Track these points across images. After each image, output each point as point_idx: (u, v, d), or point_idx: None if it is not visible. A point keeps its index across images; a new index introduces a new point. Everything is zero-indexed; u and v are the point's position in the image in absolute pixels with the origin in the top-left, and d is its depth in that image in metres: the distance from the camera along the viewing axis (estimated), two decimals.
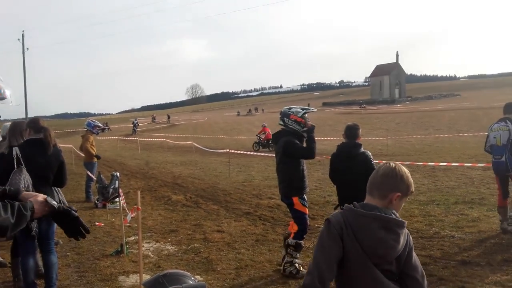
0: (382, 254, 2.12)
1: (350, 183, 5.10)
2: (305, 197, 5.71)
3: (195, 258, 6.53)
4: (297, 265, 5.63)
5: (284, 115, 5.69)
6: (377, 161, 14.31)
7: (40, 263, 5.34)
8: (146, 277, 5.22)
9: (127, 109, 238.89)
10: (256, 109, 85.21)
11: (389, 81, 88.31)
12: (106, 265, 6.30)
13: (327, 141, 25.29)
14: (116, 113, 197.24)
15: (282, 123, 5.71)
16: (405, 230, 2.19)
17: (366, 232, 2.13)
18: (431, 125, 35.82)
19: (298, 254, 5.68)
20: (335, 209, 5.41)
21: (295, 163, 5.62)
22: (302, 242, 5.67)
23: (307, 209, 5.69)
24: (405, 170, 2.23)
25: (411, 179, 2.23)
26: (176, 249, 7.02)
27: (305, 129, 5.62)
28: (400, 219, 2.17)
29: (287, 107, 5.90)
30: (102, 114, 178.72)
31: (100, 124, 12.36)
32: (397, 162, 2.28)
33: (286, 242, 5.71)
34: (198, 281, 2.40)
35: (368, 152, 5.40)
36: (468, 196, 9.48)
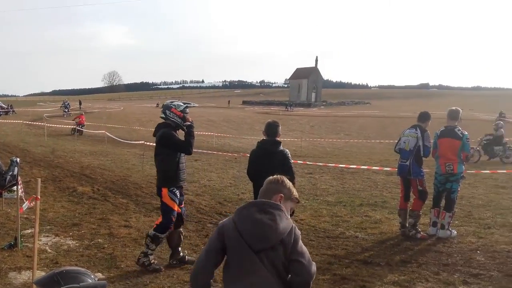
0: (260, 234, 2.29)
1: None
2: (177, 192, 5.63)
3: (98, 254, 6.17)
4: (150, 257, 5.59)
5: (166, 107, 5.68)
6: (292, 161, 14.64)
7: None
8: (41, 274, 4.81)
9: (36, 92, 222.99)
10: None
11: (307, 85, 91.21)
12: None
13: (244, 139, 25.51)
14: (24, 96, 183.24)
15: (164, 116, 5.68)
16: (289, 221, 2.41)
17: (245, 219, 2.37)
18: (343, 130, 37.63)
19: (154, 247, 5.61)
20: None
21: (171, 155, 5.56)
22: (162, 236, 5.60)
23: (176, 205, 5.60)
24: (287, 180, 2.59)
25: (292, 185, 2.58)
26: (77, 244, 6.59)
27: (186, 123, 5.62)
28: (276, 202, 2.44)
29: (170, 100, 5.90)
30: (7, 96, 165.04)
31: (2, 105, 11.28)
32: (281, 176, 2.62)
33: (148, 232, 5.71)
34: (98, 279, 2.20)
35: (287, 150, 5.47)
36: (372, 199, 9.99)
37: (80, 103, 64.97)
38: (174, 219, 5.60)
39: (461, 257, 6.10)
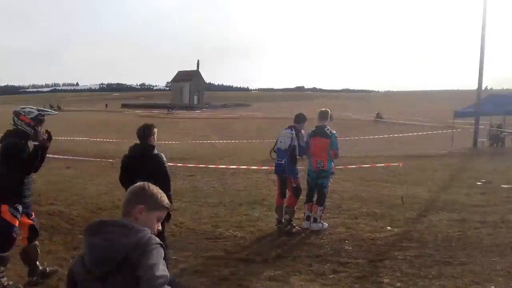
0: (94, 260, 2.01)
1: None
2: (20, 207, 4.99)
3: None
4: (3, 280, 4.99)
5: (15, 114, 5.05)
6: (172, 164, 14.35)
7: None
8: None
9: None
10: (57, 107, 75.22)
11: (189, 88, 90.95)
12: None
13: (125, 143, 24.45)
14: None
15: (13, 123, 5.05)
16: (143, 233, 2.05)
17: (84, 247, 2.07)
18: (225, 131, 38.13)
19: (2, 268, 5.00)
20: None
21: (14, 169, 4.90)
22: (5, 255, 5.00)
23: (17, 221, 4.99)
24: (154, 186, 2.23)
25: (160, 192, 2.22)
26: None
27: (35, 142, 4.98)
28: (119, 219, 2.13)
29: (22, 106, 5.31)
30: None
31: None
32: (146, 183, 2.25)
33: None
34: None
35: (162, 154, 5.30)
36: (252, 198, 10.20)
37: None
38: (15, 235, 5.00)
39: (331, 248, 6.49)
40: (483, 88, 27.23)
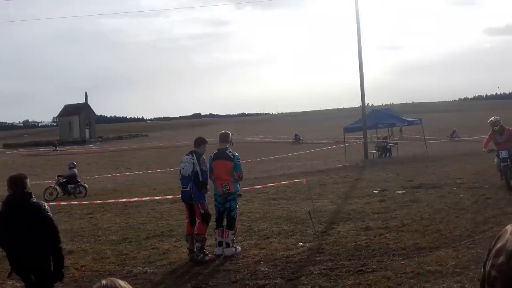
0: None
1: (25, 243, 4.47)
2: None
3: None
4: None
5: None
6: (66, 203, 13.22)
7: None
8: None
9: None
10: None
11: (79, 121, 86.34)
12: None
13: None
14: None
15: None
16: None
17: None
18: (122, 164, 36.47)
19: None
20: (8, 276, 4.75)
21: None
22: None
23: None
24: (122, 283, 1.75)
25: None
26: None
27: None
28: None
29: None
30: None
31: None
32: (112, 278, 1.76)
33: None
34: None
35: (43, 202, 4.73)
36: (159, 230, 9.70)
37: None
38: None
39: (247, 271, 6.32)
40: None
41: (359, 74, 25.54)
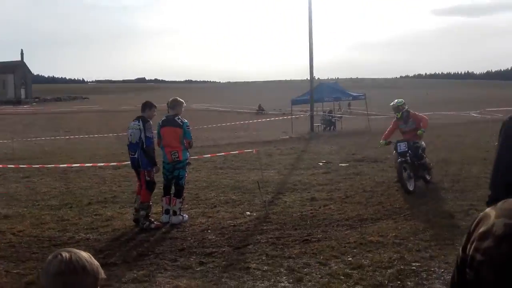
0: None
1: None
2: None
3: None
4: None
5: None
6: (0, 166, 12.53)
7: None
8: None
9: None
10: None
11: (13, 80, 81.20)
12: None
13: None
14: None
15: None
16: None
17: None
18: (61, 126, 34.96)
19: None
20: None
21: None
22: None
23: None
24: (85, 255, 1.51)
25: (95, 262, 1.53)
26: None
27: None
28: None
29: None
30: None
31: None
32: (71, 249, 1.50)
33: None
34: None
35: None
36: (101, 196, 9.42)
37: None
38: None
39: (194, 239, 6.29)
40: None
41: (308, 48, 25.71)
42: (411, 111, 9.53)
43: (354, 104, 40.12)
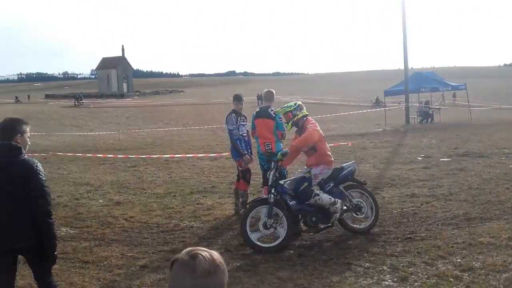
0: None
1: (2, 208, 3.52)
2: None
3: None
4: None
5: None
6: (112, 156, 13.60)
7: None
8: None
9: None
10: None
11: (116, 75, 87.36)
12: None
13: (54, 136, 23.11)
14: None
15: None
16: None
17: None
18: (160, 119, 37.02)
19: None
20: None
21: None
22: None
23: None
24: (216, 253, 1.55)
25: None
26: None
27: None
28: None
29: None
30: None
31: None
32: (201, 248, 1.53)
33: None
34: None
35: (36, 161, 3.65)
36: (201, 186, 9.87)
37: None
38: None
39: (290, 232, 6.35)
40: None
41: (402, 34, 24.58)
42: (310, 118, 6.38)
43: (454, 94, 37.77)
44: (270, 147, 7.32)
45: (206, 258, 1.49)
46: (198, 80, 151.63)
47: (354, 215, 6.26)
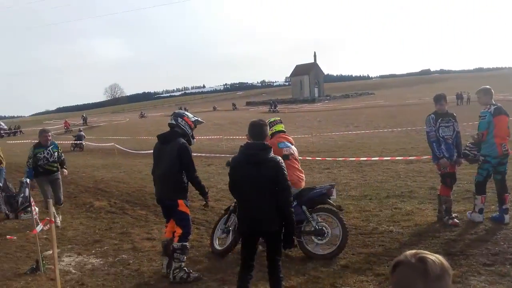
0: None
1: (256, 198, 4.15)
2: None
3: (124, 271, 5.88)
4: (186, 269, 5.40)
5: (178, 115, 5.69)
6: (310, 158, 14.23)
7: None
8: None
9: (41, 111, 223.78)
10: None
11: (308, 81, 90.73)
12: (20, 285, 5.47)
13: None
14: (29, 116, 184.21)
15: (174, 123, 5.62)
16: None
17: None
18: (351, 122, 37.12)
19: (184, 257, 5.45)
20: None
21: (183, 167, 5.46)
22: (188, 244, 5.52)
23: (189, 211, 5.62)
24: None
25: None
26: (101, 262, 6.30)
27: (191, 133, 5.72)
28: None
29: (181, 110, 6.00)
30: (13, 117, 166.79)
31: (3, 126, 11.03)
32: (424, 252, 1.60)
33: (171, 247, 5.43)
34: None
35: (279, 158, 4.25)
36: (398, 190, 9.61)
37: (85, 120, 63.10)
38: (191, 224, 5.63)
39: (508, 245, 5.73)
40: None
41: None
42: (282, 135, 6.53)
43: None
44: (507, 149, 6.64)
45: (436, 262, 1.52)
46: (389, 81, 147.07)
47: (315, 239, 5.91)
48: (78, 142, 28.76)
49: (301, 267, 5.56)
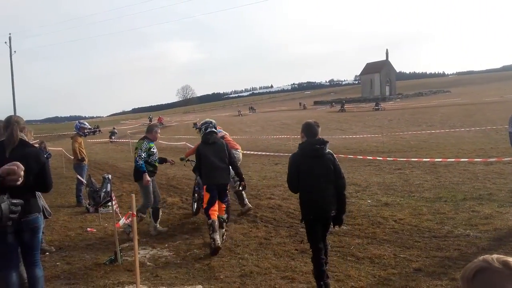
0: None
1: (324, 187, 4.81)
2: None
3: (196, 265, 6.08)
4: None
5: (214, 126, 7.31)
6: (371, 158, 13.84)
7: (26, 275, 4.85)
8: None
9: (118, 112, 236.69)
10: (253, 109, 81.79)
11: (379, 79, 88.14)
12: (99, 275, 5.84)
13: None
14: (107, 116, 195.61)
15: (215, 130, 7.35)
16: None
17: None
18: (424, 121, 35.59)
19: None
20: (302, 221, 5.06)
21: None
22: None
23: None
24: None
25: None
26: (174, 256, 6.56)
27: None
28: None
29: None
30: (93, 117, 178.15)
31: (87, 126, 11.78)
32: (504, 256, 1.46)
33: (220, 220, 6.84)
34: None
35: (331, 151, 4.99)
36: (476, 192, 9.11)
37: (150, 120, 65.55)
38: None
39: None
40: None
41: None
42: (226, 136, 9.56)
43: None
44: None
45: None
46: (466, 78, 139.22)
47: None
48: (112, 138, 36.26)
49: (370, 269, 5.45)
